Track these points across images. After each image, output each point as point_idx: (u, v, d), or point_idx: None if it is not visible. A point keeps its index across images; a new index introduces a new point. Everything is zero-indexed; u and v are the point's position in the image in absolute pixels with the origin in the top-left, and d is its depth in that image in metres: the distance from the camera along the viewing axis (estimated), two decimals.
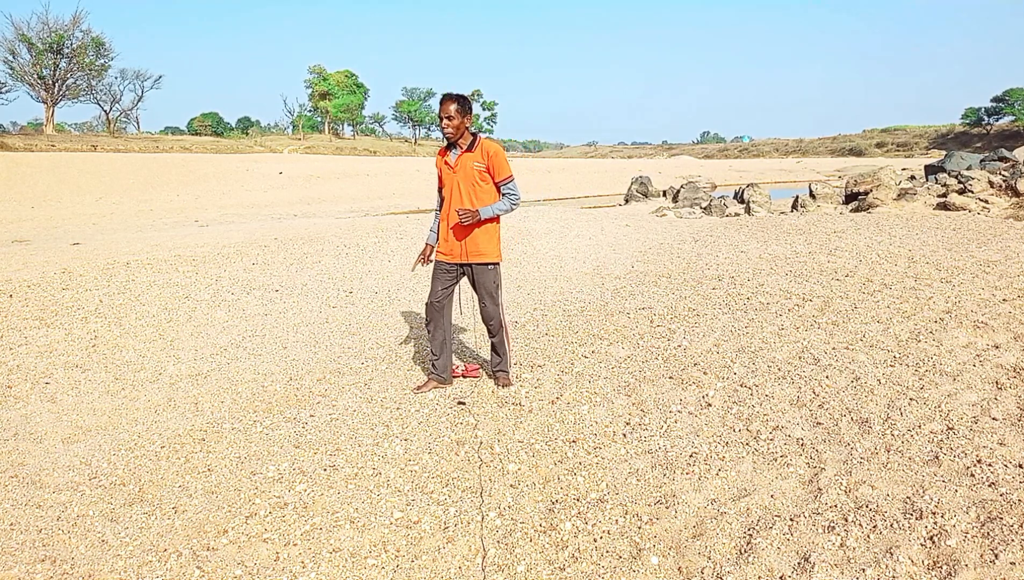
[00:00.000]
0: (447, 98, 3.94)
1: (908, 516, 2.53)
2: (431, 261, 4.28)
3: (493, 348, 4.36)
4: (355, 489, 3.07)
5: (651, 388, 4.09)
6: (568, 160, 72.08)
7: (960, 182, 12.89)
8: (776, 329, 5.08)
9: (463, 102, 3.94)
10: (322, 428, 3.73)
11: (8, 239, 12.70)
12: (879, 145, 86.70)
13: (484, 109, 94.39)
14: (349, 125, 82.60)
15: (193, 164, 35.61)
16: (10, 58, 47.11)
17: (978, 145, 69.42)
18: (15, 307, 6.16)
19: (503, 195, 4.12)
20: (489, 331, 4.32)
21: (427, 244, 4.32)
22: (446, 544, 2.64)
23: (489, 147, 4.06)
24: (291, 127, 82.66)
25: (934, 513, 2.52)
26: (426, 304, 4.28)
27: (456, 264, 4.15)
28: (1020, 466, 2.83)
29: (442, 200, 4.19)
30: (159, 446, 3.59)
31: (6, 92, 47.13)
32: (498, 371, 4.34)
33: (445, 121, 3.94)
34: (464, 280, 4.27)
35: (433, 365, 4.30)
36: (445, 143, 4.10)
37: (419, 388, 4.24)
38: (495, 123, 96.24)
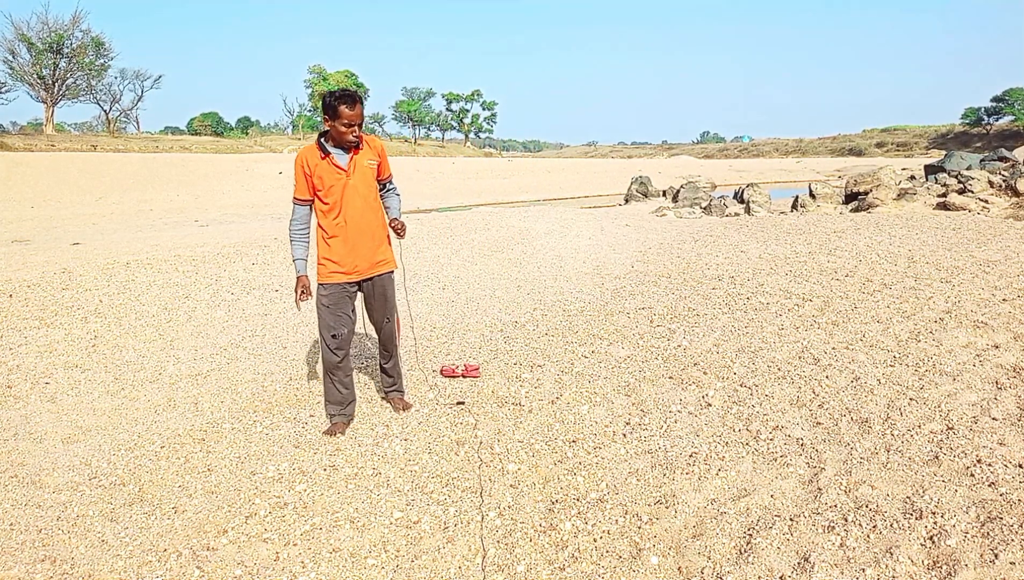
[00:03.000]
0: (356, 100, 3.33)
1: (908, 516, 2.53)
2: (311, 294, 3.58)
3: (385, 370, 3.91)
4: (355, 489, 3.07)
5: (651, 388, 4.09)
6: (568, 160, 72.04)
7: (960, 182, 12.89)
8: (776, 329, 5.08)
9: (363, 102, 3.43)
10: (322, 428, 3.73)
11: (8, 239, 12.69)
12: (879, 145, 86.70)
13: (484, 109, 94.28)
14: None
15: (193, 164, 35.60)
16: (10, 58, 47.06)
17: (978, 145, 69.42)
18: (15, 307, 6.16)
19: (389, 191, 3.71)
20: (385, 351, 3.85)
21: (302, 275, 3.54)
22: (446, 544, 2.64)
23: (375, 141, 3.57)
24: (291, 127, 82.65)
25: (934, 513, 2.52)
26: (331, 342, 3.54)
27: (357, 282, 3.61)
28: (1020, 466, 2.83)
29: (326, 212, 3.47)
30: (159, 446, 3.59)
31: (6, 92, 47.07)
32: (393, 391, 3.95)
33: (356, 129, 3.37)
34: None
35: (345, 409, 3.73)
36: (327, 147, 3.43)
37: (328, 433, 3.65)
38: (495, 123, 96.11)
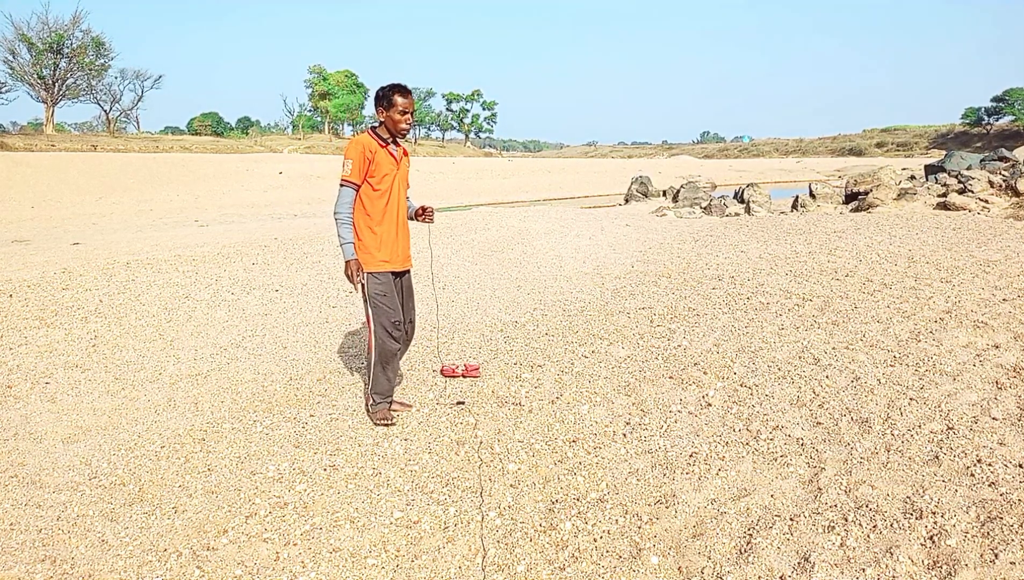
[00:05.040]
0: (408, 90, 3.57)
1: (908, 516, 2.53)
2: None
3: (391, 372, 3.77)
4: (355, 489, 3.07)
5: (651, 388, 4.09)
6: (568, 160, 72.08)
7: (960, 182, 12.89)
8: (776, 329, 5.08)
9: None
10: (322, 428, 3.73)
11: (8, 239, 12.70)
12: (879, 145, 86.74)
13: (484, 109, 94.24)
14: (349, 125, 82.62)
15: (193, 164, 35.61)
16: (10, 58, 47.12)
17: (978, 145, 69.47)
18: (15, 307, 6.16)
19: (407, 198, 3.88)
20: (406, 347, 3.90)
21: (353, 258, 3.53)
22: (446, 544, 2.64)
23: (405, 145, 3.78)
24: (291, 127, 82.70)
25: (934, 513, 2.52)
26: (394, 330, 3.60)
27: (397, 273, 3.71)
28: (1020, 466, 2.83)
29: (376, 198, 3.56)
30: (159, 446, 3.59)
31: (6, 92, 47.13)
32: (395, 397, 3.94)
33: (410, 116, 3.55)
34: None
35: (391, 394, 3.79)
36: (383, 137, 3.57)
37: (383, 420, 3.72)
38: (495, 123, 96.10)
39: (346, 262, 3.53)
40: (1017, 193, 11.86)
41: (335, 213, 3.56)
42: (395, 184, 3.59)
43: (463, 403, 4.00)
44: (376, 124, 3.64)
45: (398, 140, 3.64)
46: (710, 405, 3.79)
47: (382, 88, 3.55)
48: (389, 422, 3.70)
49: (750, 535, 2.53)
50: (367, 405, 3.79)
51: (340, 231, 3.54)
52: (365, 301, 3.61)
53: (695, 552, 2.48)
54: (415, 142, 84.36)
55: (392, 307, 3.61)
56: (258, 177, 32.69)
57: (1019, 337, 4.50)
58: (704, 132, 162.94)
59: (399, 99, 3.50)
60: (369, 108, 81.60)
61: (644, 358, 4.65)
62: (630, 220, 13.61)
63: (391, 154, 3.57)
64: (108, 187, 26.76)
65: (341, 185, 3.54)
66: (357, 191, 3.54)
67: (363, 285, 3.57)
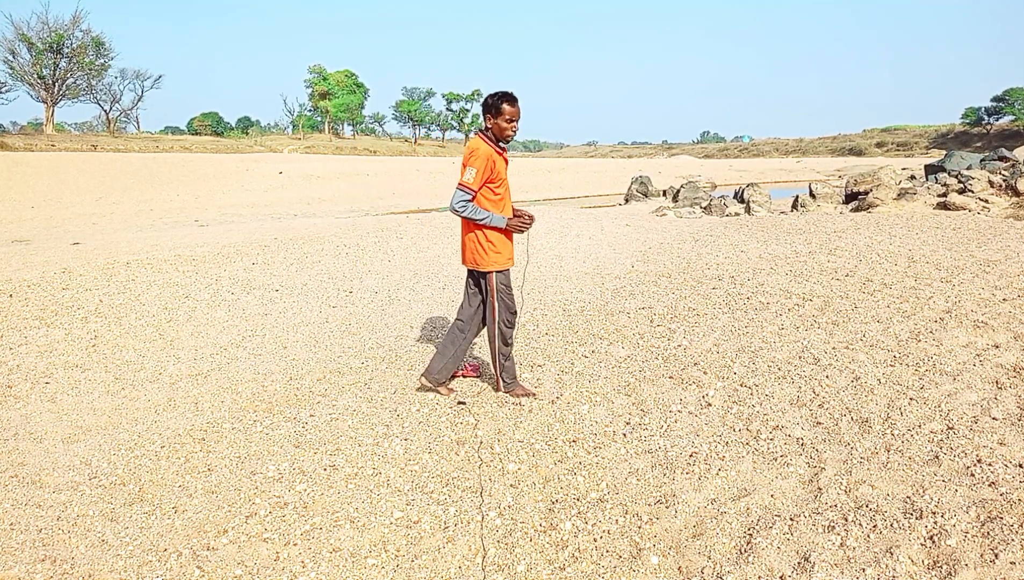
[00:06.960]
0: (516, 98, 3.77)
1: (908, 516, 2.53)
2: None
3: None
4: (355, 489, 3.07)
5: (651, 388, 4.09)
6: (568, 160, 72.10)
7: (960, 182, 12.89)
8: (776, 329, 5.08)
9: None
10: (322, 428, 3.73)
11: (8, 239, 12.70)
12: (879, 145, 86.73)
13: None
14: (349, 125, 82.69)
15: (193, 164, 35.63)
16: (10, 58, 47.20)
17: (978, 145, 69.52)
18: (15, 307, 6.16)
19: None
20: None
21: (510, 218, 3.84)
22: (446, 544, 2.64)
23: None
24: (291, 127, 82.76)
25: (934, 513, 2.52)
26: (512, 319, 4.00)
27: None
28: (1020, 466, 2.83)
29: (496, 202, 3.80)
30: (159, 446, 3.59)
31: (6, 92, 47.24)
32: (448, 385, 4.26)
33: (516, 124, 3.76)
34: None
35: (515, 372, 4.13)
36: (495, 143, 3.79)
37: (525, 393, 4.04)
38: None
39: (507, 223, 3.78)
40: (1017, 193, 11.86)
41: (459, 208, 3.67)
42: (508, 188, 3.88)
43: (463, 403, 4.00)
44: (483, 128, 3.83)
45: (502, 144, 3.81)
46: (710, 405, 3.79)
47: (491, 96, 3.73)
48: (530, 392, 4.04)
49: (750, 535, 2.53)
50: (501, 388, 4.05)
51: (475, 215, 3.70)
52: (493, 295, 3.90)
53: (695, 552, 2.48)
54: (415, 142, 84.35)
55: (511, 299, 3.96)
56: (258, 177, 32.70)
57: (1019, 337, 4.50)
58: (704, 132, 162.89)
59: (507, 107, 3.69)
60: (370, 108, 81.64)
61: (644, 358, 4.65)
62: (630, 220, 13.61)
63: (505, 160, 3.81)
64: (108, 187, 26.76)
65: (461, 189, 3.69)
66: (473, 198, 3.71)
67: (492, 282, 3.87)
